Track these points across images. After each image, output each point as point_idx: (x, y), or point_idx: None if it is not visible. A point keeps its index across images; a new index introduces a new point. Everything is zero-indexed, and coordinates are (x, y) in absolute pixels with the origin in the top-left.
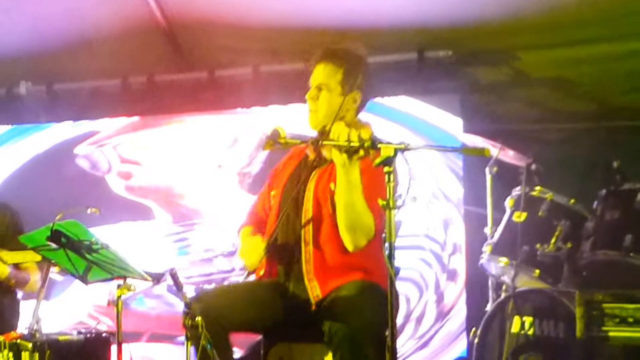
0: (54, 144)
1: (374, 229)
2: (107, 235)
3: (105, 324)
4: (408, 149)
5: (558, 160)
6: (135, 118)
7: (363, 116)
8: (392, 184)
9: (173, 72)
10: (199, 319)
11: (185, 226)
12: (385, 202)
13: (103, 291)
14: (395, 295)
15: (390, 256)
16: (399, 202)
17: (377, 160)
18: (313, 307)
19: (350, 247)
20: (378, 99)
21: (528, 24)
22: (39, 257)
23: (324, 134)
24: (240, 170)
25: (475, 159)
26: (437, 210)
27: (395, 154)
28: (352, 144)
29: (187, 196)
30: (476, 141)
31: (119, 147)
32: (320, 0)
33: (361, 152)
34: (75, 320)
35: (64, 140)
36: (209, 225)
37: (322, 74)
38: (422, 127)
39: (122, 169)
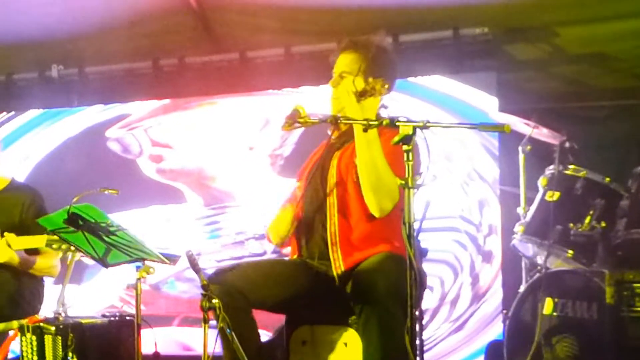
0: (85, 128)
1: (399, 193)
2: (138, 218)
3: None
4: (427, 127)
5: (597, 138)
6: (167, 100)
7: (397, 96)
8: (411, 163)
9: (204, 53)
10: (216, 301)
11: (216, 209)
12: (403, 182)
13: (133, 275)
14: (418, 275)
15: (410, 236)
16: (418, 181)
17: (396, 139)
18: (336, 282)
19: (376, 212)
20: (412, 79)
21: None
22: (43, 243)
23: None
24: (272, 152)
25: (511, 138)
26: (473, 190)
27: (414, 131)
28: (371, 122)
29: (219, 179)
30: (511, 120)
31: (150, 130)
32: None
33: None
34: (106, 304)
35: (96, 124)
36: (241, 208)
37: (344, 62)
38: (457, 107)
39: (153, 152)
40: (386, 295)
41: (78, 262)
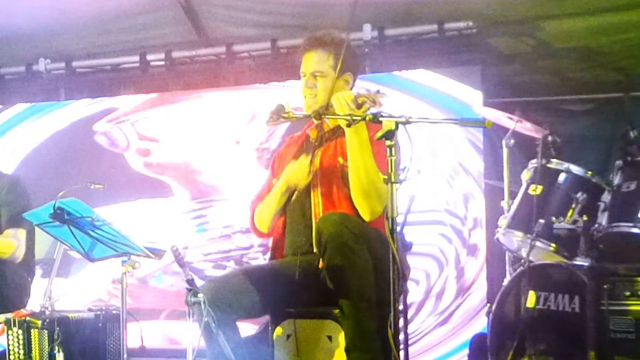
0: (72, 121)
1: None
2: (125, 212)
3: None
4: (409, 122)
5: (580, 131)
6: (154, 94)
7: (382, 89)
8: (393, 158)
9: (191, 47)
10: (201, 295)
11: (203, 203)
12: (387, 176)
13: (119, 270)
14: (399, 273)
15: (393, 231)
16: (402, 176)
17: (379, 134)
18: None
19: (367, 216)
20: (397, 72)
21: None
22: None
23: (326, 108)
24: (258, 145)
25: (495, 132)
26: (457, 184)
27: (397, 127)
28: (354, 117)
29: (206, 173)
30: (495, 114)
31: (137, 124)
32: None
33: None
34: (93, 298)
35: (83, 118)
36: (228, 201)
37: (314, 61)
38: (442, 101)
39: (140, 146)
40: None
41: (65, 255)
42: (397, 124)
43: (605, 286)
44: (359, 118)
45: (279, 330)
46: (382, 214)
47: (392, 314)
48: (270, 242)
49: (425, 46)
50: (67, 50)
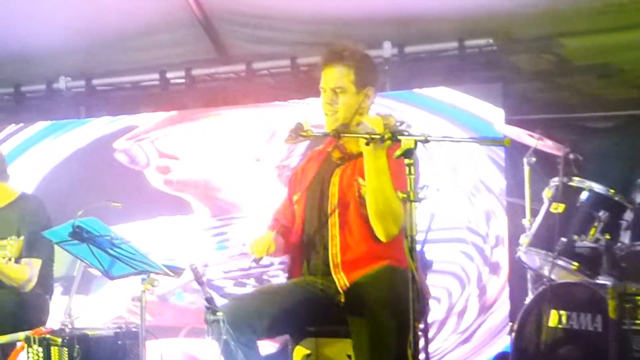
0: (93, 139)
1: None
2: (145, 229)
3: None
4: (428, 141)
5: (603, 149)
6: (173, 112)
7: (403, 107)
8: (412, 177)
9: (211, 65)
10: (220, 313)
11: (223, 220)
12: (405, 195)
13: (139, 287)
14: (418, 291)
15: (412, 249)
16: (421, 195)
17: (398, 152)
18: (342, 299)
19: (382, 237)
20: (417, 90)
21: (571, 9)
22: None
23: (346, 126)
24: (279, 163)
25: (517, 149)
26: (479, 202)
27: (416, 145)
28: (373, 136)
29: (226, 190)
30: (516, 132)
31: (157, 142)
32: None
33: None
34: (114, 315)
35: (103, 135)
36: (248, 219)
37: (334, 76)
38: (463, 118)
39: (160, 164)
40: (378, 308)
41: (85, 273)
42: (416, 142)
43: (626, 306)
44: (378, 137)
45: (299, 349)
46: (400, 234)
47: (411, 333)
48: (288, 260)
49: (446, 63)
50: (87, 68)
